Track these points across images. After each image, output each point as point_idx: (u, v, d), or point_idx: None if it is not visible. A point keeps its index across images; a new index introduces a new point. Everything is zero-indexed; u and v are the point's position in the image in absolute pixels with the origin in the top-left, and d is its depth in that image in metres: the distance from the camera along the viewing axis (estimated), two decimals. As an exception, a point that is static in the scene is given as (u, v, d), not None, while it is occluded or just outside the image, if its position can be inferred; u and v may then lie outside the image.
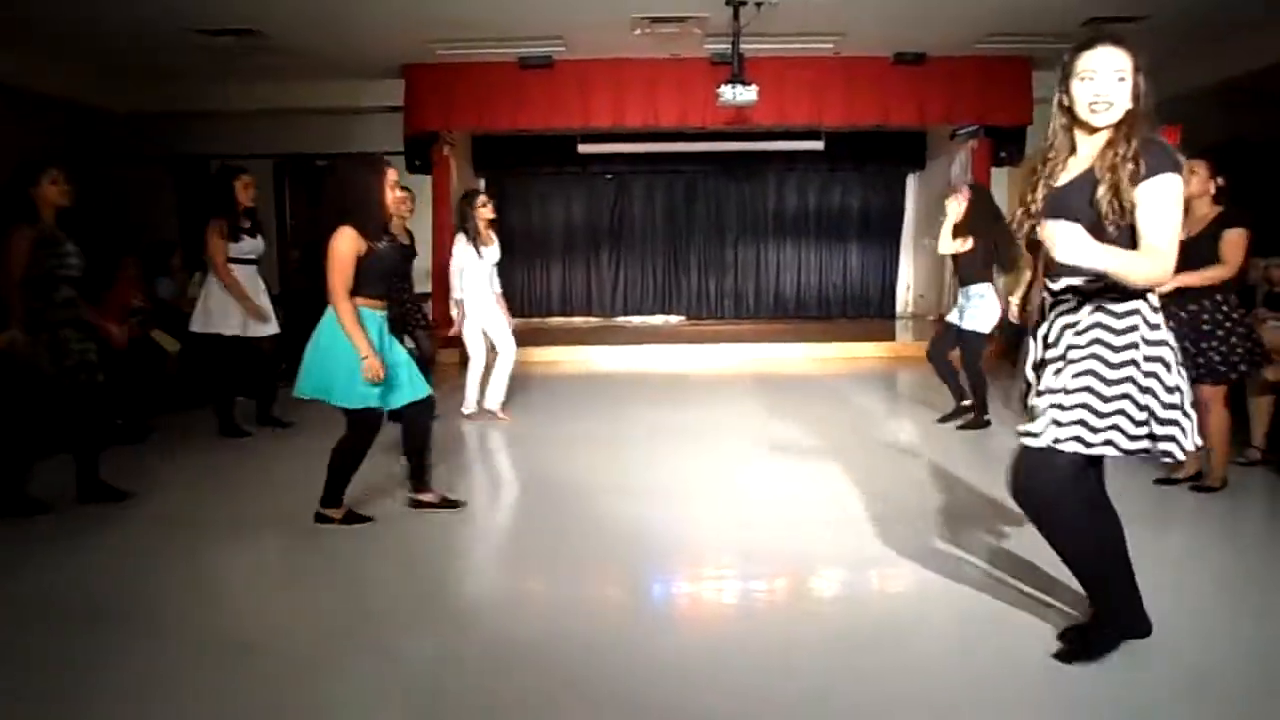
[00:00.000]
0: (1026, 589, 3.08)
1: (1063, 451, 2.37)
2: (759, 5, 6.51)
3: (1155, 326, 2.37)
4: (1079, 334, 2.39)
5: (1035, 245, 2.47)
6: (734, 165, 11.32)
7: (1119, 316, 2.36)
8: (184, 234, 8.28)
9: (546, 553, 3.61)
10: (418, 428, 3.85)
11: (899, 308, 11.90)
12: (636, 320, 12.01)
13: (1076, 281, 2.40)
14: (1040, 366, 2.51)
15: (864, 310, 11.93)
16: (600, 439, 5.58)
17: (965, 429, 5.59)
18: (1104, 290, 2.35)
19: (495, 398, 5.96)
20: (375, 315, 3.61)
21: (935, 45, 8.04)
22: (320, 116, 9.03)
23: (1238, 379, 4.14)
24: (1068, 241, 2.17)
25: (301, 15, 6.66)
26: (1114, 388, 2.34)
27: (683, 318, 12.06)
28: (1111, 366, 2.34)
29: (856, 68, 8.34)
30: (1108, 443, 2.36)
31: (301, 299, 6.41)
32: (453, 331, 5.85)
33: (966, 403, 5.64)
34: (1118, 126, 2.40)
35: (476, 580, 3.46)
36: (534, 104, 8.47)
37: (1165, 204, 2.31)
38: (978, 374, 5.60)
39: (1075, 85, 2.39)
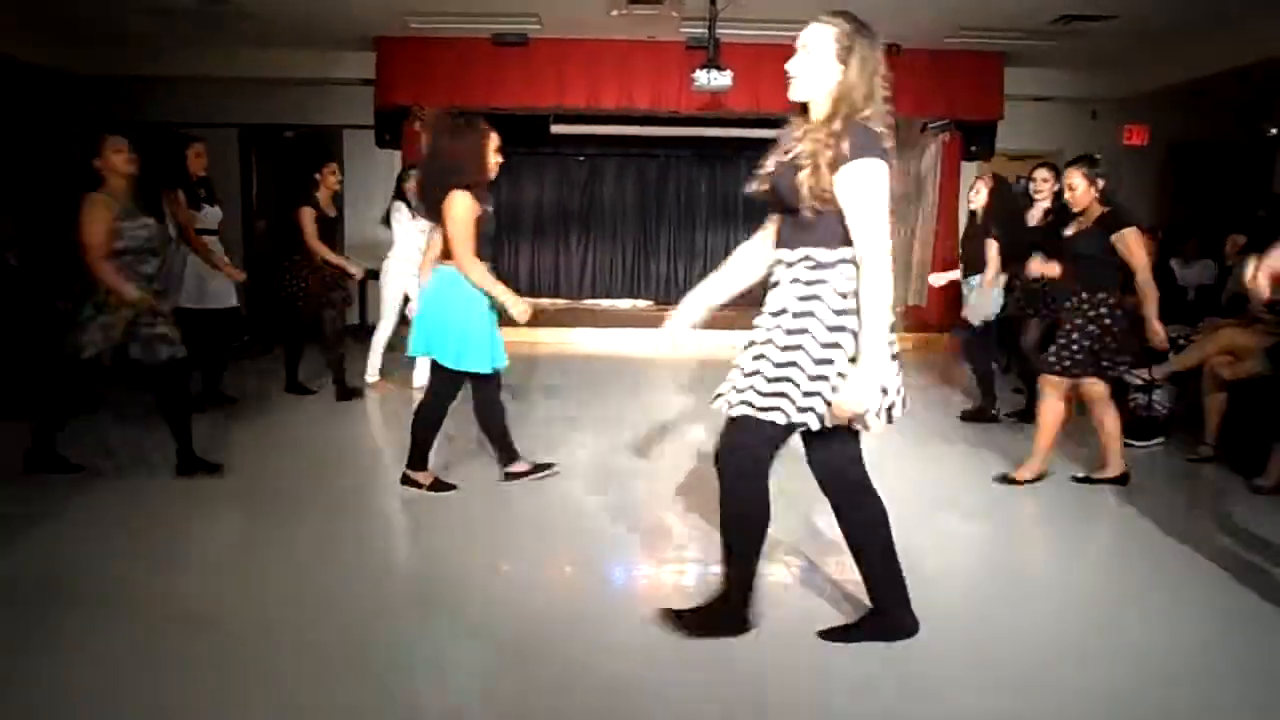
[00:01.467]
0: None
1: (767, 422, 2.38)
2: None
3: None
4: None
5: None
6: (707, 151, 11.29)
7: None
8: (145, 203, 8.11)
9: (535, 534, 3.61)
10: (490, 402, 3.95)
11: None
12: (605, 304, 11.97)
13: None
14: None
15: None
16: (577, 421, 5.60)
17: (969, 419, 5.70)
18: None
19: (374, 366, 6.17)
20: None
21: (908, 37, 8.05)
22: (289, 87, 8.88)
23: (1116, 376, 4.23)
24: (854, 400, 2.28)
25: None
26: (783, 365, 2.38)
27: (651, 302, 12.03)
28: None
29: (830, 57, 8.35)
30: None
31: (267, 270, 6.32)
32: None
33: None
34: (831, 107, 2.38)
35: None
36: (507, 82, 8.38)
37: (866, 189, 2.29)
38: (978, 364, 5.72)
39: None
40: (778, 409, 2.34)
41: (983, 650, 2.71)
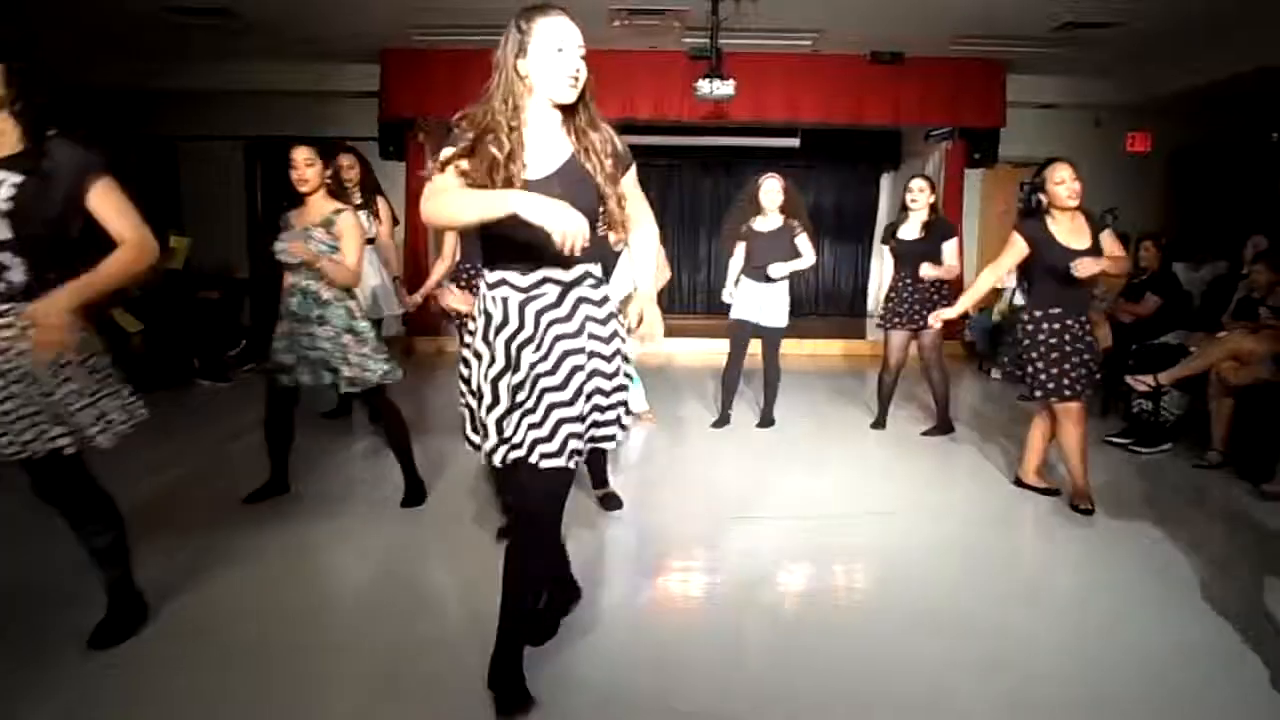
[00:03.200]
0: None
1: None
2: (738, 0, 6.51)
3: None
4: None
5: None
6: (709, 160, 11.31)
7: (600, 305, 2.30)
8: (151, 215, 8.14)
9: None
10: None
11: (870, 306, 11.96)
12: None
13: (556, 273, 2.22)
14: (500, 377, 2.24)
15: (834, 308, 11.98)
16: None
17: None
18: (585, 277, 2.27)
19: None
20: None
21: (911, 45, 8.08)
22: (294, 99, 8.90)
23: (1044, 396, 4.05)
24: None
25: (276, -3, 6.57)
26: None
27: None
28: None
29: (833, 66, 8.37)
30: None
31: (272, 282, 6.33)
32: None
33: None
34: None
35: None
36: (511, 93, 8.40)
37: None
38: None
39: None
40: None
41: (985, 655, 2.69)
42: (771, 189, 5.45)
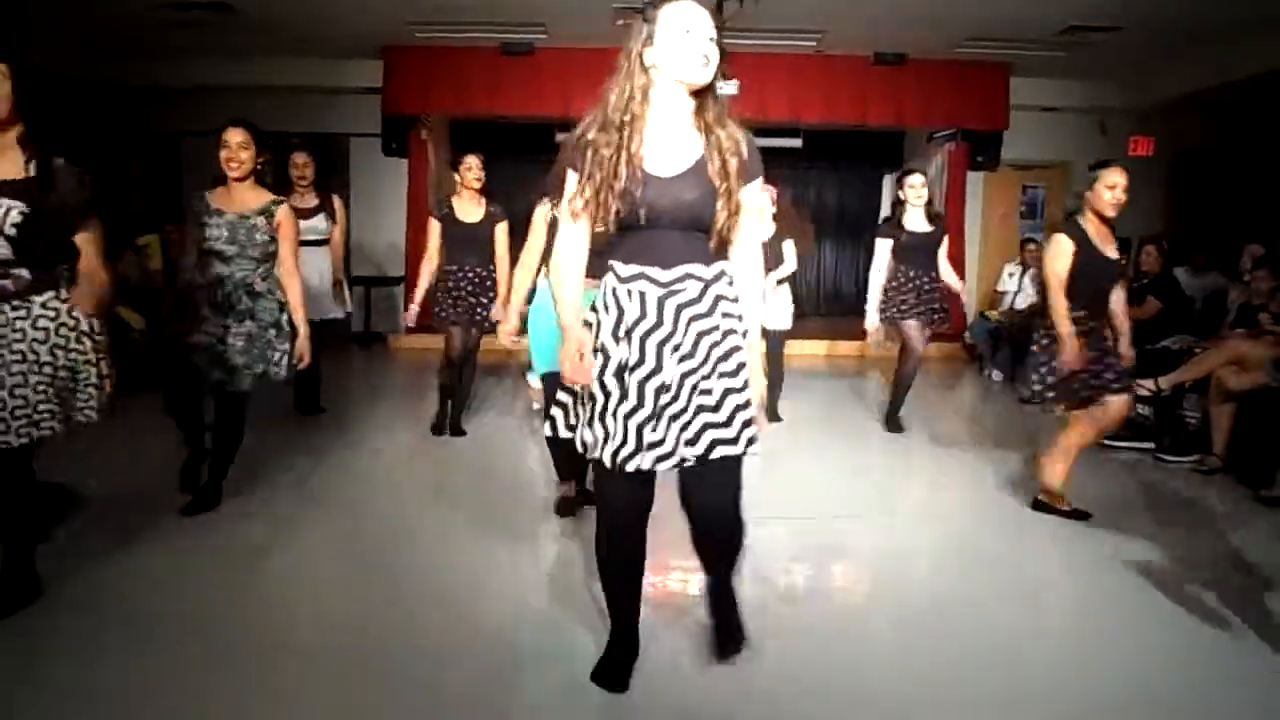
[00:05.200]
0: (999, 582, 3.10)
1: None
2: (741, 1, 6.50)
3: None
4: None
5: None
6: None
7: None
8: (152, 210, 8.15)
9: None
10: None
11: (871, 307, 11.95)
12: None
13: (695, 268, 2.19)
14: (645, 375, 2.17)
15: (837, 309, 11.96)
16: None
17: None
18: (721, 276, 2.23)
19: None
20: None
21: (915, 47, 8.07)
22: (296, 95, 8.90)
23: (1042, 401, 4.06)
24: None
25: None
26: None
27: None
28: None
29: (837, 67, 8.36)
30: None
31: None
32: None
33: None
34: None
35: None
36: (514, 91, 8.41)
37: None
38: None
39: None
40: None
41: (983, 657, 2.69)
42: (762, 200, 5.47)
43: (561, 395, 2.32)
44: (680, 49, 2.09)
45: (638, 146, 2.13)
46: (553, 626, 2.86)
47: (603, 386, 2.18)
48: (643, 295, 2.16)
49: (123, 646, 2.60)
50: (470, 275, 5.01)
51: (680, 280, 2.16)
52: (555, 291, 2.29)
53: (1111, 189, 3.81)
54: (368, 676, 2.51)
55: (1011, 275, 8.19)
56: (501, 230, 4.92)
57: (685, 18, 2.10)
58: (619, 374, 2.16)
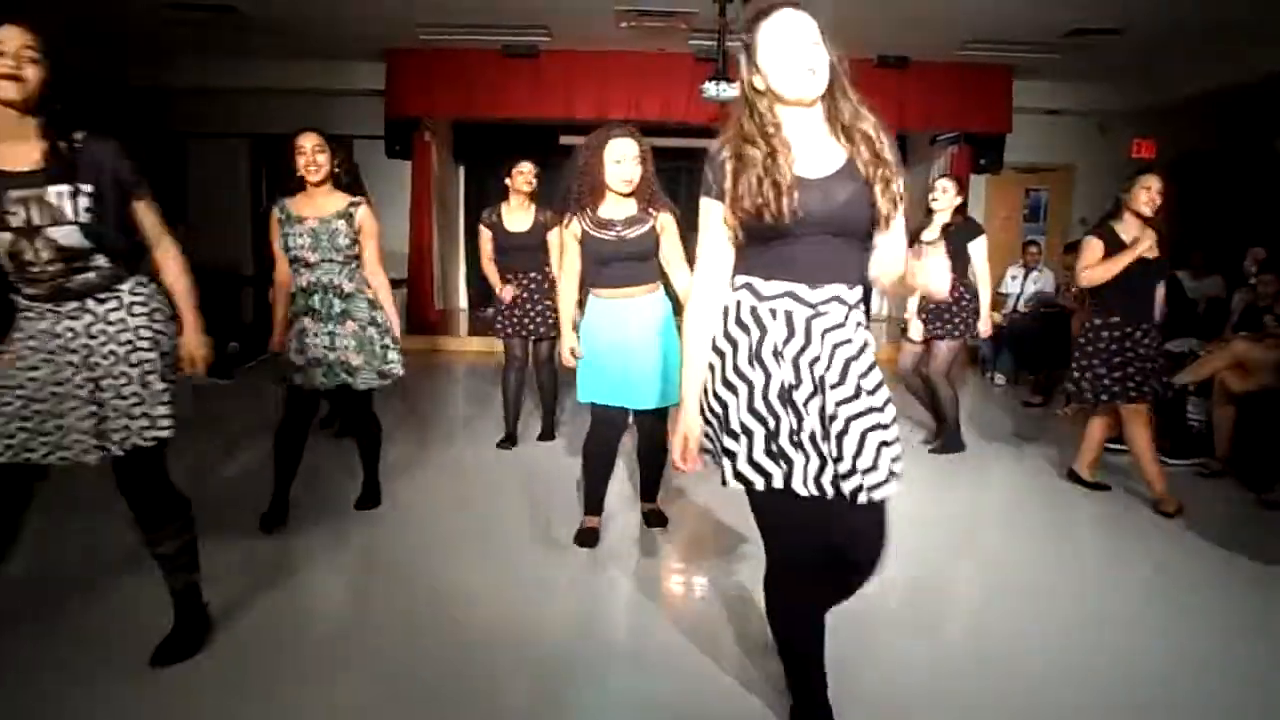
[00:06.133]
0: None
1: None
2: (745, 1, 6.50)
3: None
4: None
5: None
6: (715, 162, 11.31)
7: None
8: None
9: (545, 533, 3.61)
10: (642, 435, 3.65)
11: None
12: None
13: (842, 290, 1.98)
14: (795, 401, 1.94)
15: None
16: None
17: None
18: (861, 301, 2.02)
19: None
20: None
21: (918, 50, 8.08)
22: (300, 97, 8.91)
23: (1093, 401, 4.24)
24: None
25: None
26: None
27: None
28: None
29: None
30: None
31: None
32: None
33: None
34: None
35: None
36: (517, 94, 8.43)
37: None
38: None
39: None
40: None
41: (985, 657, 2.69)
42: None
43: (727, 442, 1.98)
44: (784, 66, 1.93)
45: (787, 151, 1.92)
46: (596, 651, 2.86)
47: (769, 409, 1.93)
48: (789, 315, 1.94)
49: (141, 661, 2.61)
50: (523, 282, 4.95)
51: (827, 303, 1.94)
52: (688, 344, 2.03)
53: (1148, 190, 4.04)
54: (414, 691, 2.51)
55: (1015, 278, 8.18)
56: (553, 238, 4.75)
57: (783, 31, 1.95)
58: (783, 396, 1.93)
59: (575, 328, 3.55)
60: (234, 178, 9.51)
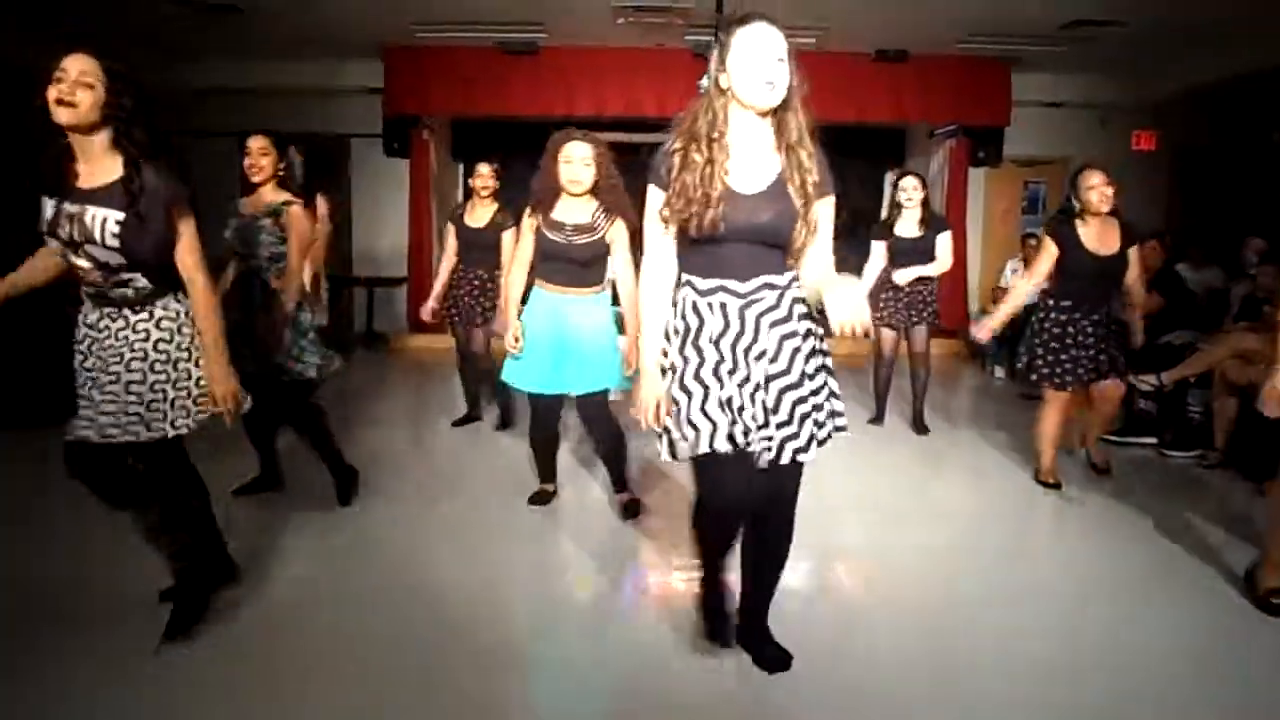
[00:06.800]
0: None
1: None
2: (740, -3, 6.50)
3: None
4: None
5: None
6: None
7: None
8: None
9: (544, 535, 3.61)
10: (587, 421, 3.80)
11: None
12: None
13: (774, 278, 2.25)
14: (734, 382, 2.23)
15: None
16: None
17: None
18: (794, 282, 2.29)
19: None
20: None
21: (916, 43, 8.06)
22: (297, 96, 8.90)
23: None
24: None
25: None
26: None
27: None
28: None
29: (837, 63, 8.34)
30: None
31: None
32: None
33: None
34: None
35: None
36: (515, 91, 8.41)
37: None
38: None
39: None
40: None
41: (984, 654, 2.69)
42: None
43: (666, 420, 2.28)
44: (746, 74, 2.12)
45: (724, 161, 2.17)
46: (566, 629, 2.87)
47: (699, 381, 2.21)
48: (724, 306, 2.22)
49: (135, 656, 2.61)
50: (471, 278, 5.16)
51: (758, 290, 2.21)
52: (643, 318, 2.31)
53: (1091, 189, 4.01)
54: (395, 682, 2.51)
55: (1014, 271, 8.17)
56: (507, 238, 4.90)
57: (752, 42, 2.12)
58: (715, 371, 2.20)
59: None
60: (232, 177, 9.47)
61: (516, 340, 3.61)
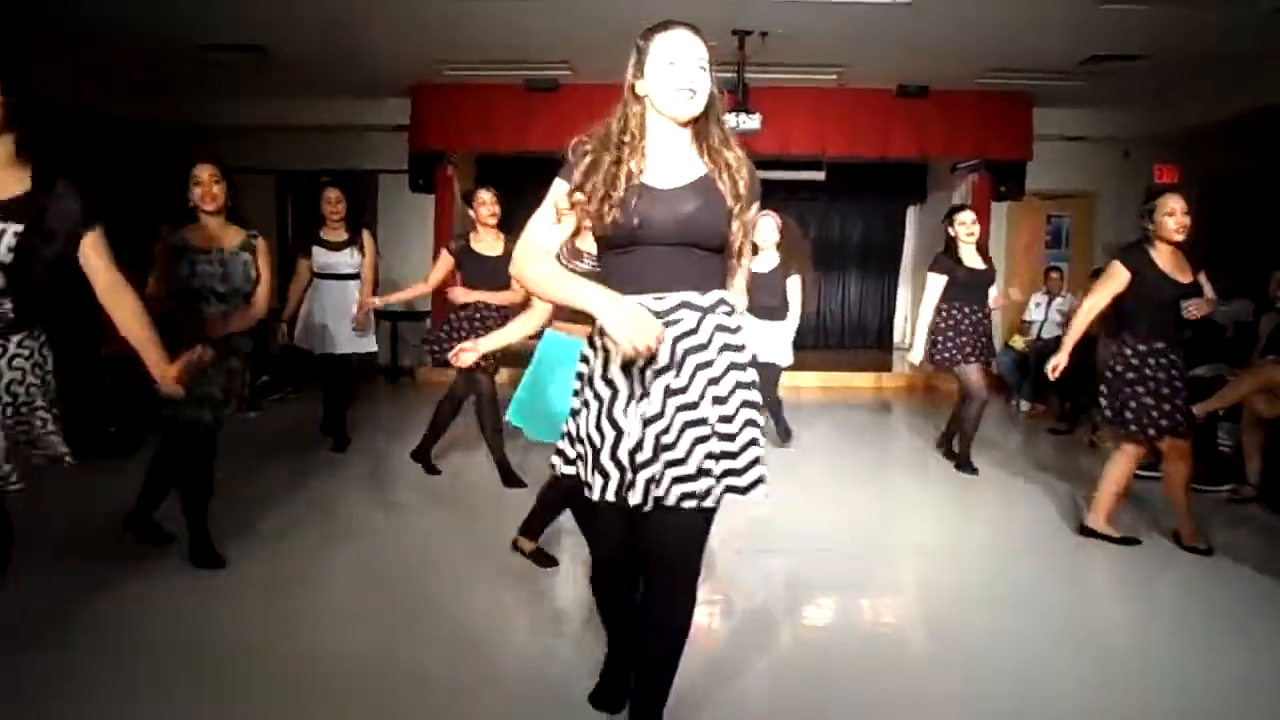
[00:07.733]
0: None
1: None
2: (764, 35, 6.57)
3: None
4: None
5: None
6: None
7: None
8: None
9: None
10: None
11: (896, 338, 11.92)
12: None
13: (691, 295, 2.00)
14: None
15: (861, 340, 11.93)
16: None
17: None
18: (720, 304, 2.04)
19: None
20: None
21: (937, 79, 8.10)
22: (326, 133, 9.06)
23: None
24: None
25: (310, 35, 6.70)
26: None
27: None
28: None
29: (859, 99, 8.40)
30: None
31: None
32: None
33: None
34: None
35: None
36: (539, 127, 8.50)
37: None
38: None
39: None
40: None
41: (1016, 691, 2.65)
42: (765, 228, 5.44)
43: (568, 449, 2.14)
44: (664, 81, 1.97)
45: (637, 163, 2.00)
46: (568, 658, 2.86)
47: (611, 424, 2.00)
48: None
49: (140, 681, 2.63)
50: (493, 311, 4.85)
51: (675, 310, 1.96)
52: (551, 289, 2.03)
53: (1170, 215, 3.82)
54: (397, 711, 2.51)
55: (1038, 305, 8.14)
56: None
57: (672, 48, 1.98)
58: (626, 407, 1.99)
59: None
60: (262, 213, 9.64)
61: (464, 353, 3.10)
